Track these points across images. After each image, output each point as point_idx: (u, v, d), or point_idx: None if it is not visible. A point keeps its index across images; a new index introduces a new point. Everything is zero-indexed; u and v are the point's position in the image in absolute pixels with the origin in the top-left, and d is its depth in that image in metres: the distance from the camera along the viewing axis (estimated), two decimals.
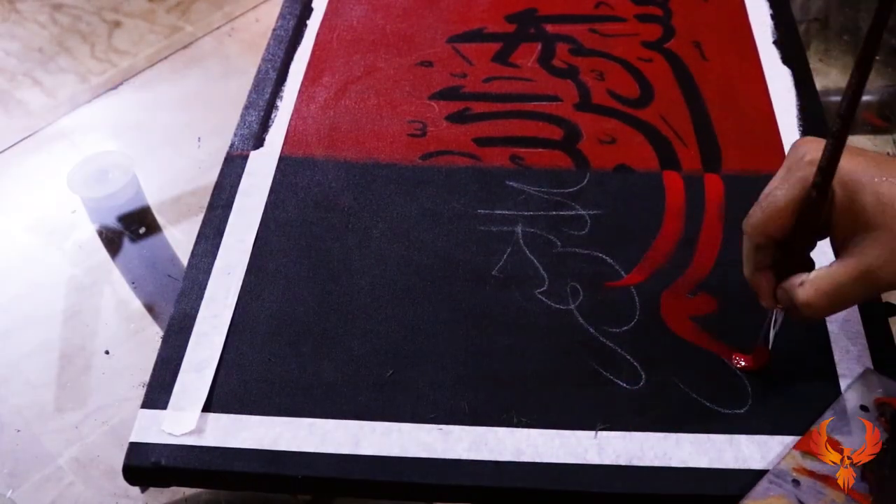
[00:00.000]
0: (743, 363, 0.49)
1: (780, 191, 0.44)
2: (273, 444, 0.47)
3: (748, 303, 0.51)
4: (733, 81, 0.66)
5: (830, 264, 0.44)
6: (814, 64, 0.70)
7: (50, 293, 0.61)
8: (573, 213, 0.58)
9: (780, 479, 0.44)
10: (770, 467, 0.45)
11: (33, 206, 0.68)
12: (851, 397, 0.47)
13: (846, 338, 0.50)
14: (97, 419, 0.54)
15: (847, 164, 0.43)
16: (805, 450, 0.45)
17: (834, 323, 0.51)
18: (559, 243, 0.56)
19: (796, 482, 0.44)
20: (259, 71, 0.69)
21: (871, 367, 0.49)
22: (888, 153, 0.66)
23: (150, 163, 0.69)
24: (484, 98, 0.66)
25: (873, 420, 0.46)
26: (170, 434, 0.47)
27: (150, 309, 0.60)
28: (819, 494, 0.44)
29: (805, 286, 0.44)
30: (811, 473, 0.45)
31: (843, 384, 0.48)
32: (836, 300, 0.44)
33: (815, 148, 0.43)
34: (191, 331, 0.52)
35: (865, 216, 0.43)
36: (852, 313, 0.51)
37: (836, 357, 0.49)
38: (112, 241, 0.64)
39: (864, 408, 0.47)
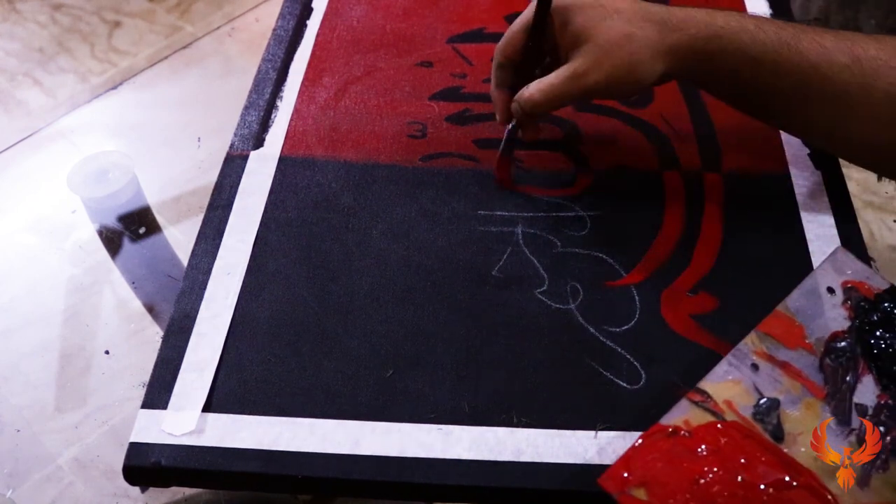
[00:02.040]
0: (496, 176, 0.59)
1: (516, 21, 0.55)
2: (273, 444, 0.47)
3: (749, 301, 0.52)
4: None
5: (546, 76, 0.54)
6: None
7: (50, 293, 0.61)
8: (573, 213, 0.58)
9: (739, 362, 0.44)
10: None
11: (33, 206, 0.68)
12: (819, 277, 0.48)
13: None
14: (97, 419, 0.54)
15: None
16: (766, 331, 0.46)
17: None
18: (559, 243, 0.56)
19: (755, 366, 0.44)
20: (259, 71, 0.69)
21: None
22: None
23: (150, 163, 0.69)
24: (484, 99, 0.66)
25: (838, 305, 0.46)
26: (170, 434, 0.47)
27: (150, 309, 0.60)
28: (776, 383, 0.44)
29: (529, 88, 0.54)
30: (770, 358, 0.45)
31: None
32: (549, 96, 0.53)
33: None
34: (191, 331, 0.52)
35: (578, 33, 0.53)
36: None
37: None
38: (112, 241, 0.64)
39: (830, 290, 0.48)
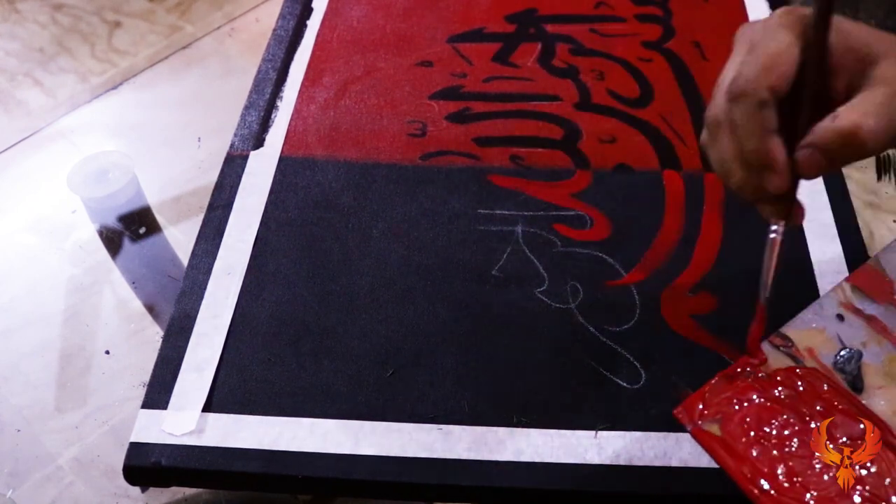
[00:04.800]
0: (752, 359, 0.46)
1: (770, 42, 0.39)
2: (273, 444, 0.47)
3: (749, 301, 0.52)
4: None
5: (853, 100, 0.38)
6: None
7: (50, 293, 0.61)
8: (573, 213, 0.58)
9: (826, 311, 0.43)
10: None
11: (33, 206, 0.68)
12: None
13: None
14: (97, 419, 0.54)
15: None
16: (856, 284, 0.44)
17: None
18: (559, 243, 0.56)
19: (840, 317, 0.43)
20: (259, 71, 0.69)
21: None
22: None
23: (150, 163, 0.69)
24: (484, 98, 0.66)
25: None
26: (170, 434, 0.47)
27: (150, 309, 0.60)
28: (860, 335, 0.43)
29: (841, 115, 0.37)
30: (857, 311, 0.44)
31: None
32: (883, 118, 0.37)
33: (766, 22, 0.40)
34: (191, 331, 0.52)
35: (867, 48, 0.39)
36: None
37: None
38: (112, 241, 0.64)
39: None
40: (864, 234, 0.56)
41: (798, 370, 0.42)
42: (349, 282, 0.54)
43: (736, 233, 0.56)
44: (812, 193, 0.58)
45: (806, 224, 0.56)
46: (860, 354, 0.42)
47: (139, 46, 0.82)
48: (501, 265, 0.55)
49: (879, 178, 0.70)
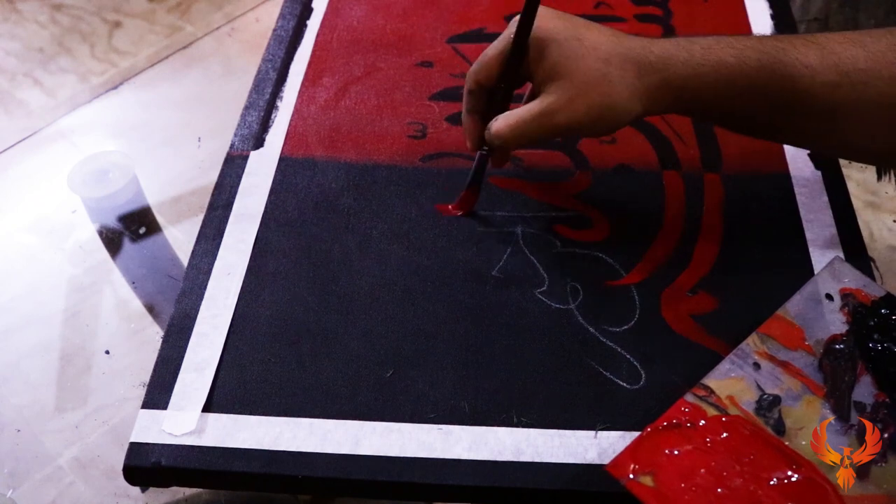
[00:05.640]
0: (450, 208, 0.57)
1: (491, 46, 0.53)
2: (273, 444, 0.47)
3: (748, 301, 0.52)
4: None
5: (515, 109, 0.51)
6: None
7: (50, 293, 0.61)
8: (573, 213, 0.58)
9: (742, 361, 0.46)
10: None
11: (33, 206, 0.68)
12: (818, 284, 0.50)
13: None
14: (97, 419, 0.54)
15: (546, 24, 0.51)
16: (767, 333, 0.47)
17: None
18: (559, 243, 0.56)
19: (757, 365, 0.46)
20: (259, 71, 0.69)
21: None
22: None
23: (150, 163, 0.69)
24: None
25: (836, 310, 0.48)
26: (170, 434, 0.47)
27: (150, 309, 0.60)
28: (777, 381, 0.46)
29: (497, 120, 0.52)
30: (771, 358, 0.47)
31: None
32: (517, 132, 0.51)
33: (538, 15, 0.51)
34: (191, 331, 0.52)
35: (553, 68, 0.50)
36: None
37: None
38: (112, 241, 0.64)
39: (828, 296, 0.49)
40: (865, 234, 0.56)
41: (724, 418, 0.44)
42: (349, 282, 0.54)
43: (736, 233, 0.56)
44: (812, 193, 0.58)
45: (806, 224, 0.56)
46: (779, 399, 0.45)
47: (139, 46, 0.82)
48: (501, 266, 0.55)
49: (879, 178, 0.70)
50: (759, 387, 0.45)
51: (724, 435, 0.43)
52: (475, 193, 0.57)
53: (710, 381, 0.46)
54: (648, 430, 0.44)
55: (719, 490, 0.41)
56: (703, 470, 0.42)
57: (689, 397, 0.45)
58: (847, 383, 0.46)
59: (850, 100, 0.48)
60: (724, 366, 0.46)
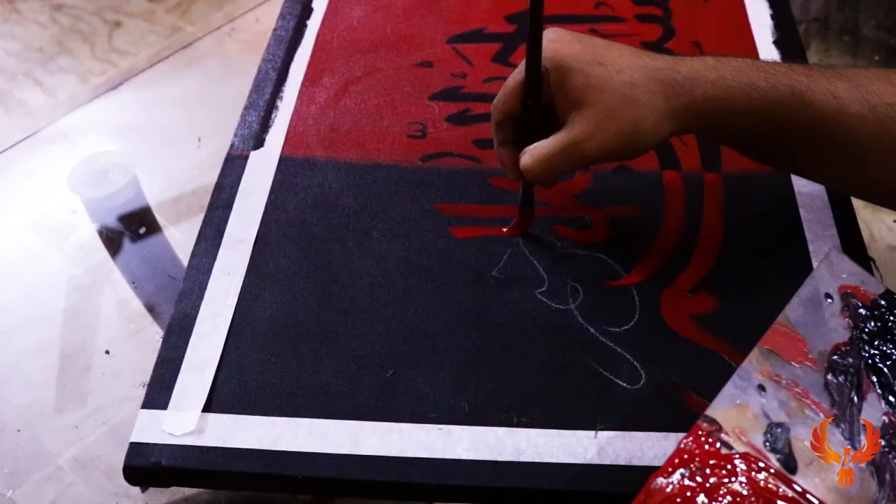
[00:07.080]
0: (505, 231, 0.56)
1: (511, 76, 0.51)
2: (273, 445, 0.47)
3: (748, 301, 0.52)
4: None
5: (544, 140, 0.50)
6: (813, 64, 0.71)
7: (50, 293, 0.61)
8: (573, 214, 0.58)
9: (745, 383, 0.44)
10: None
11: (33, 206, 0.68)
12: (817, 282, 0.47)
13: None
14: (97, 419, 0.54)
15: (565, 50, 0.49)
16: (769, 346, 0.45)
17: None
18: (559, 243, 0.56)
19: (762, 388, 0.44)
20: (259, 71, 0.69)
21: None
22: None
23: (150, 163, 0.69)
24: (484, 99, 0.66)
25: (836, 313, 0.46)
26: (170, 434, 0.47)
27: (150, 309, 0.60)
28: (783, 405, 0.43)
29: (525, 154, 0.51)
30: (776, 379, 0.44)
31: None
32: (546, 167, 0.50)
33: (553, 39, 0.50)
34: (191, 331, 0.52)
35: (576, 95, 0.48)
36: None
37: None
38: (112, 241, 0.64)
39: (828, 296, 0.47)
40: (865, 234, 0.56)
41: (735, 457, 0.42)
42: (349, 282, 0.54)
43: (736, 233, 0.56)
44: (812, 193, 0.58)
45: (806, 224, 0.56)
46: (787, 430, 0.43)
47: (139, 46, 0.82)
48: (501, 266, 0.55)
49: None
50: (765, 414, 0.43)
51: (738, 479, 0.41)
52: (529, 215, 0.55)
53: (716, 411, 0.43)
54: (653, 478, 0.41)
55: None
56: None
57: (695, 434, 0.43)
58: (855, 404, 0.44)
59: (874, 133, 0.46)
60: (728, 390, 0.44)
